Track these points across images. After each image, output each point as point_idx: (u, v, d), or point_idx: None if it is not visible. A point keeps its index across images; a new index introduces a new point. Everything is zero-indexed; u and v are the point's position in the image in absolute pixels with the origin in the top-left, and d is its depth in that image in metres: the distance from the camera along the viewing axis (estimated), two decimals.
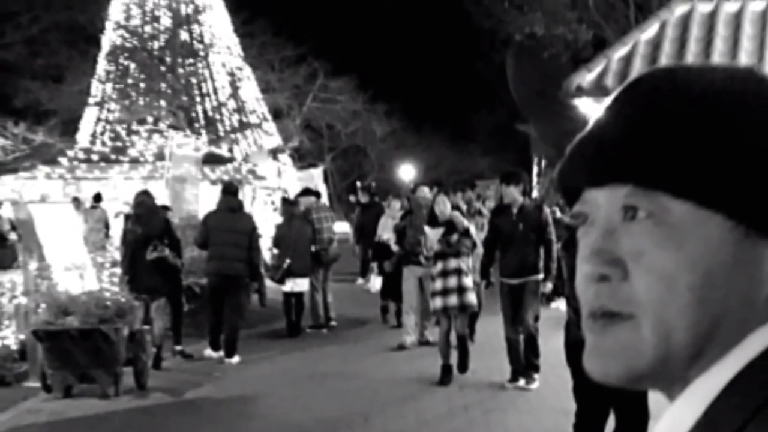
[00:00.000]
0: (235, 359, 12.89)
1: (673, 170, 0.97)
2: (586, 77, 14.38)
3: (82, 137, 34.18)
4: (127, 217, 14.53)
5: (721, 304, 0.97)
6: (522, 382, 11.01)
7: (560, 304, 13.30)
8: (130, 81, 33.55)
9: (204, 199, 21.53)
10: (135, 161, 30.79)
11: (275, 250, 16.17)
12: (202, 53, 34.57)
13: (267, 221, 22.62)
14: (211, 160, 28.49)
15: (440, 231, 11.39)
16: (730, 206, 0.97)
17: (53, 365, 10.54)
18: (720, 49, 13.97)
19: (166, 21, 33.93)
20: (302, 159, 41.55)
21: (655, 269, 0.98)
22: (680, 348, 0.98)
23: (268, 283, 15.63)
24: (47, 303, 11.11)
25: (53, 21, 36.50)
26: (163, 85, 32.08)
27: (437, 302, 11.38)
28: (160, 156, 27.60)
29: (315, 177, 31.70)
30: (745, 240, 0.98)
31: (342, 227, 26.22)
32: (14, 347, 11.98)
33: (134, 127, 32.49)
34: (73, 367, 10.53)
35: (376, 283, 18.72)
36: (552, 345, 10.20)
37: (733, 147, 0.97)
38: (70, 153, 31.64)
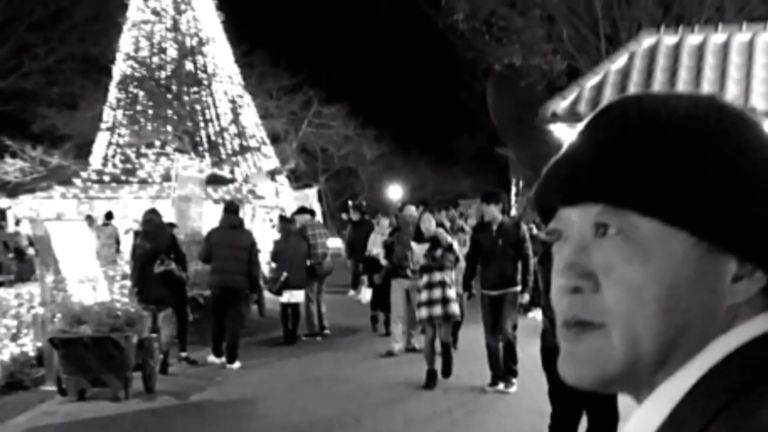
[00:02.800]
0: (236, 365, 12.85)
1: (641, 191, 0.98)
2: (561, 104, 14.42)
3: (95, 160, 34.15)
4: (137, 233, 14.48)
5: (685, 314, 0.98)
6: (501, 386, 10.99)
7: (537, 314, 13.27)
8: (139, 108, 33.51)
9: (207, 217, 21.46)
10: (143, 182, 30.84)
11: (273, 264, 16.13)
12: (205, 82, 34.57)
13: (266, 237, 22.58)
14: (214, 180, 28.52)
15: (426, 246, 11.37)
16: (693, 224, 0.97)
17: (68, 370, 10.51)
18: (684, 78, 14.02)
19: (172, 52, 33.93)
20: (298, 180, 41.65)
21: (624, 282, 0.98)
22: (647, 354, 0.98)
23: (267, 294, 15.59)
24: (62, 313, 11.07)
25: (68, 52, 36.73)
26: (170, 112, 32.05)
27: (423, 312, 11.35)
28: (166, 177, 27.62)
29: (310, 196, 31.64)
30: (707, 255, 0.98)
31: (335, 243, 26.19)
32: (32, 354, 11.93)
33: (143, 150, 32.53)
34: (87, 372, 10.50)
35: (366, 294, 18.70)
36: (529, 352, 10.19)
37: (696, 169, 0.97)
38: (84, 174, 31.69)
